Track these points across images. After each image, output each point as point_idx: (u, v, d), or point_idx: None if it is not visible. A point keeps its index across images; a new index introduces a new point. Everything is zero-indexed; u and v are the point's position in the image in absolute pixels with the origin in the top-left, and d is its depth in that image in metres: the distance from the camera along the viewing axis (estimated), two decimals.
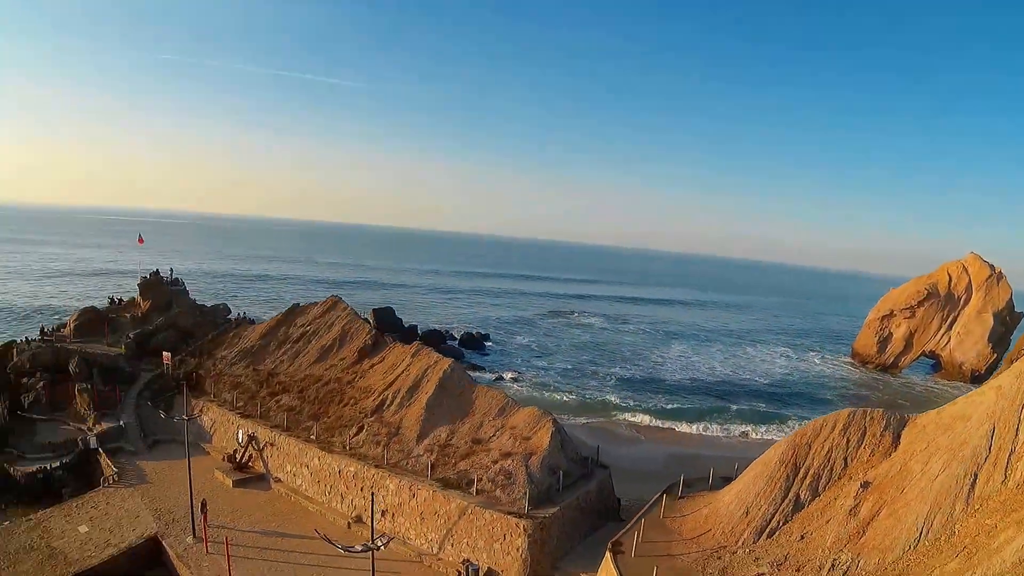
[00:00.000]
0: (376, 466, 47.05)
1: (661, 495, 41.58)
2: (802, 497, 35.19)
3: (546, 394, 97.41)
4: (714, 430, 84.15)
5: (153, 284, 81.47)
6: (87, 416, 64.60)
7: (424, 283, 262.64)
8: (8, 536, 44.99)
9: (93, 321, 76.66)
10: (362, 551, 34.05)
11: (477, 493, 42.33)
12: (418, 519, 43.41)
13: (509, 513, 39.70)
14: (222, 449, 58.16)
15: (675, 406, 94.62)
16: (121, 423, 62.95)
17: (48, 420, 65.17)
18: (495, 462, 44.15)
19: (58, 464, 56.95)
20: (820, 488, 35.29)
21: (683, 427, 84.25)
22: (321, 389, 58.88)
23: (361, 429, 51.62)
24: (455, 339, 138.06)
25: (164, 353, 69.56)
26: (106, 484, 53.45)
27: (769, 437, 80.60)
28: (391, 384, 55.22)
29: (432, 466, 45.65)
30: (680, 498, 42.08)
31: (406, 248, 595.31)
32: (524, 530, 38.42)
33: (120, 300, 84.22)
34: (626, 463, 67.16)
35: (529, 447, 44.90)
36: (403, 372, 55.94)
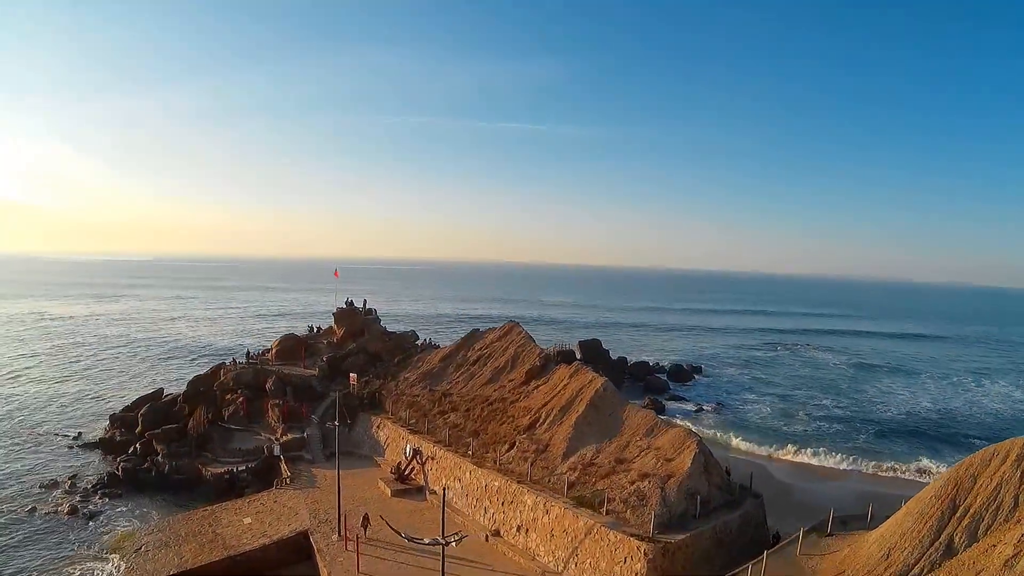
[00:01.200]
0: (519, 482, 47.27)
1: (800, 532, 37.61)
2: (956, 541, 30.15)
3: (742, 424, 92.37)
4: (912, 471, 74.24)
5: (347, 313, 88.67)
6: (277, 428, 71.27)
7: (639, 320, 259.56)
8: (184, 522, 51.28)
9: (294, 347, 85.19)
10: (430, 544, 34.42)
11: (607, 513, 40.81)
12: (548, 536, 42.72)
13: (633, 536, 38.06)
14: (392, 462, 61.55)
15: (884, 445, 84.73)
16: (304, 434, 68.82)
17: (243, 430, 72.69)
18: (632, 483, 42.54)
19: (244, 468, 63.55)
20: (979, 532, 30.20)
21: (884, 465, 75.15)
22: (486, 408, 60.39)
23: (513, 446, 52.14)
24: (664, 371, 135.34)
25: (351, 375, 75.39)
26: (278, 486, 58.60)
27: None
28: (547, 403, 55.43)
29: (572, 484, 44.85)
30: (829, 535, 37.94)
31: (617, 286, 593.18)
32: (645, 554, 36.39)
33: (319, 328, 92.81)
34: (807, 498, 61.75)
35: (670, 469, 42.65)
36: (560, 391, 56.09)
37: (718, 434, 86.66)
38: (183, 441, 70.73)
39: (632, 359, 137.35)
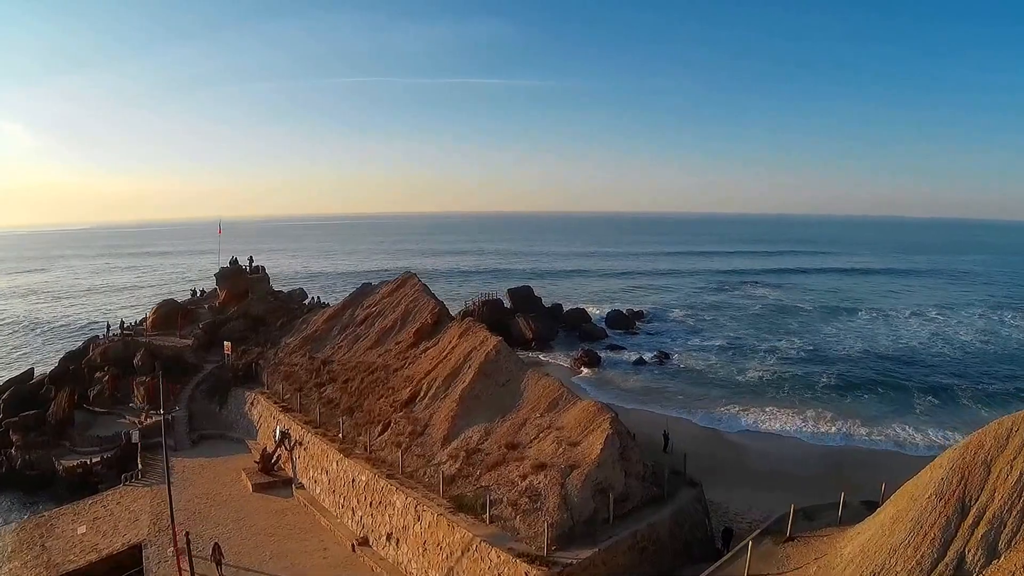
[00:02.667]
0: (388, 476, 36.57)
1: (749, 541, 27.30)
2: (970, 559, 20.35)
3: (688, 376, 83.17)
4: (895, 428, 64.30)
5: (231, 274, 76.48)
6: (143, 409, 60.59)
7: (581, 265, 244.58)
8: (15, 533, 42.41)
9: (172, 314, 72.72)
10: None
11: (491, 521, 30.52)
12: (420, 549, 32.29)
13: (521, 555, 27.65)
14: (262, 447, 50.50)
15: (848, 398, 74.65)
16: (169, 417, 58.03)
17: (108, 413, 62.63)
18: (525, 476, 32.11)
19: (99, 459, 53.89)
20: (1002, 543, 20.35)
21: (853, 425, 65.14)
22: (367, 378, 49.28)
23: (387, 427, 41.42)
24: (602, 319, 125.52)
25: (225, 343, 63.80)
26: (126, 482, 47.90)
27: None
28: (430, 371, 44.41)
29: (451, 478, 34.41)
30: (789, 540, 27.86)
31: (562, 231, 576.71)
32: None
33: (202, 292, 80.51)
34: (764, 466, 52.41)
35: (574, 456, 32.14)
36: (446, 356, 45.03)
37: (661, 388, 77.07)
38: (42, 429, 60.20)
39: (568, 307, 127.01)
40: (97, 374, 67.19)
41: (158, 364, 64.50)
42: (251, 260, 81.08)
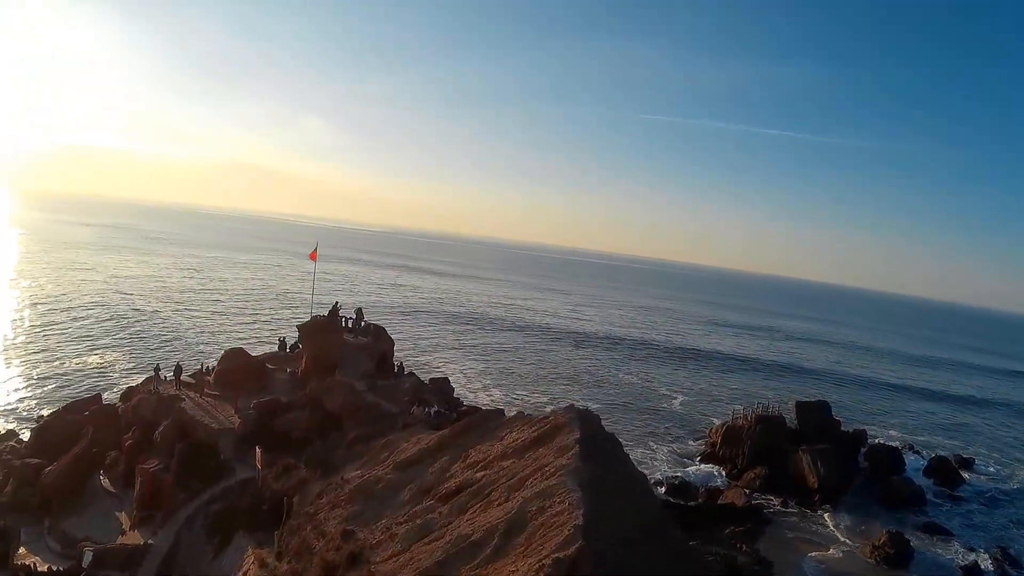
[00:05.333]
0: None
1: None
2: None
3: None
4: None
5: (317, 330, 51.14)
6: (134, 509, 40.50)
7: (904, 375, 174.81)
8: None
9: (237, 370, 48.84)
10: None
11: None
12: None
13: None
14: None
15: None
16: (149, 541, 36.77)
17: (114, 495, 44.75)
18: None
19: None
20: None
21: None
22: None
23: None
24: (921, 463, 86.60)
25: (257, 449, 38.71)
26: None
27: None
28: None
29: None
30: None
31: (874, 315, 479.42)
32: None
33: (295, 346, 55.86)
34: None
35: None
36: None
37: None
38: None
39: (873, 437, 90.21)
40: (125, 436, 46.41)
41: (179, 448, 41.61)
42: (359, 312, 55.16)
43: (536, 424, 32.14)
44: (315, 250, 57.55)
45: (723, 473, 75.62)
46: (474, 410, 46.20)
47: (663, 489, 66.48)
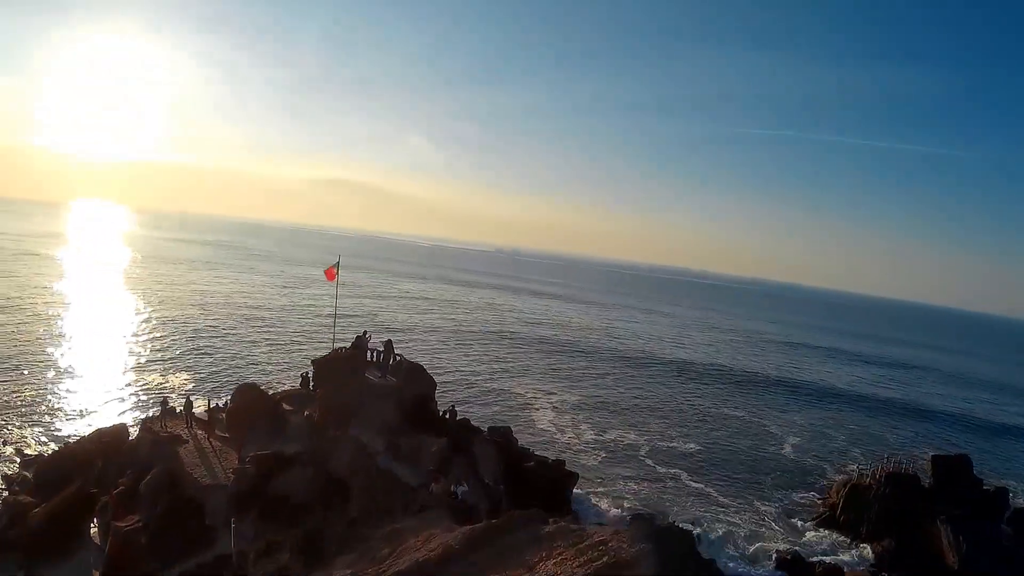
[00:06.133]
0: None
1: None
2: None
3: None
4: None
5: (331, 367, 43.34)
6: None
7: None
8: None
9: (247, 409, 41.87)
10: None
11: None
12: None
13: None
14: None
15: None
16: None
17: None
18: None
19: None
20: None
21: None
22: None
23: None
24: None
25: (232, 521, 31.65)
26: None
27: None
28: None
29: None
30: None
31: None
32: None
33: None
34: None
35: None
36: None
37: None
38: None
39: (1017, 495, 75.30)
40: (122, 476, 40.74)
41: (161, 504, 35.26)
42: (389, 344, 47.30)
43: (587, 551, 23.03)
44: (333, 267, 50.06)
45: (844, 543, 63.33)
46: (529, 474, 37.93)
47: (771, 563, 55.34)
